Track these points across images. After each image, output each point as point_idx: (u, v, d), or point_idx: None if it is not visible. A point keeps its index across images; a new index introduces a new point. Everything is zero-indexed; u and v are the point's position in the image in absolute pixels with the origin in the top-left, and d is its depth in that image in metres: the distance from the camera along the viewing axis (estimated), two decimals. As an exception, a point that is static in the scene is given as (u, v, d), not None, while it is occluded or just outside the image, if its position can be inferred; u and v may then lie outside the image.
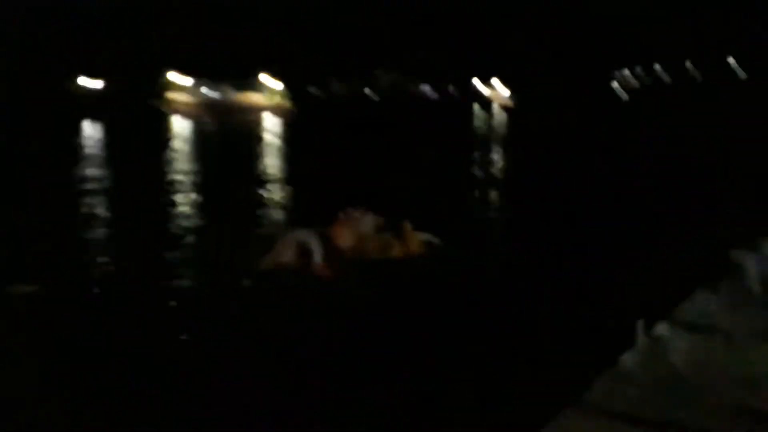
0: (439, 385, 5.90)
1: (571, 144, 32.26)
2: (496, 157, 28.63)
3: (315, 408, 5.60)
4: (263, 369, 6.36)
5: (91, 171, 21.36)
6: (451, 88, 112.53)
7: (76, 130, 39.93)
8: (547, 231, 11.96)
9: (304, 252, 9.46)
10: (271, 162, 25.60)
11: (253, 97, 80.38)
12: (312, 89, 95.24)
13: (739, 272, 6.45)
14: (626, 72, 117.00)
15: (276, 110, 76.04)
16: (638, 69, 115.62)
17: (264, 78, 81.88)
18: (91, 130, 41.61)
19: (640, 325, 5.01)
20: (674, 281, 7.26)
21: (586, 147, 30.41)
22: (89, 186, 18.00)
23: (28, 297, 8.43)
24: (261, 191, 17.29)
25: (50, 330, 7.42)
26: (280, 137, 41.24)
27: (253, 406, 5.62)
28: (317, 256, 9.48)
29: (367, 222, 10.33)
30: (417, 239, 10.50)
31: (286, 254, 9.47)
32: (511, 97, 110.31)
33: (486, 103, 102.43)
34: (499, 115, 70.02)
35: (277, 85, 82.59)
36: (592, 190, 16.30)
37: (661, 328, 5.23)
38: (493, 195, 17.37)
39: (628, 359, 4.68)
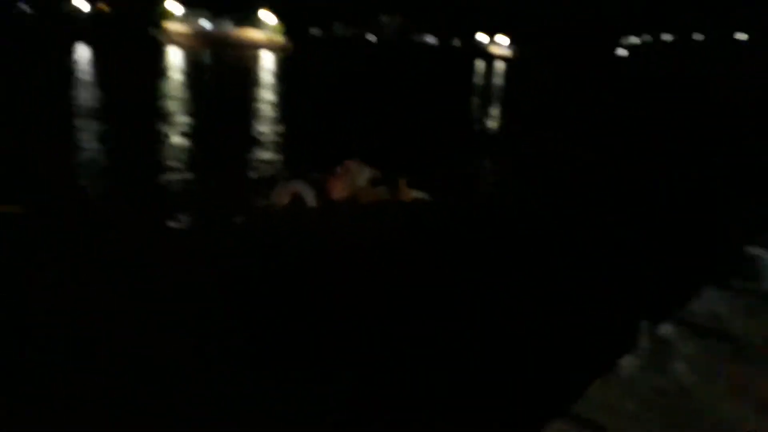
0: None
1: (569, 103, 31.98)
2: (496, 111, 28.35)
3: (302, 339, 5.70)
4: (252, 304, 6.45)
5: (83, 96, 20.88)
6: (455, 40, 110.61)
7: (69, 54, 38.95)
8: (541, 199, 11.52)
9: (298, 200, 9.47)
10: (267, 100, 25.15)
11: (252, 33, 78.64)
12: (313, 30, 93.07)
13: (754, 270, 5.63)
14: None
15: (274, 48, 74.57)
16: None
17: (264, 14, 79.93)
18: (85, 54, 40.61)
19: (644, 325, 4.42)
20: (683, 274, 6.52)
21: (584, 109, 30.13)
22: (80, 111, 17.62)
23: (11, 217, 8.38)
24: (255, 130, 17.06)
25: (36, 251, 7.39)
26: (276, 76, 40.51)
27: (240, 338, 5.70)
28: (310, 204, 9.50)
29: (362, 175, 10.32)
30: (410, 195, 10.52)
31: (280, 201, 9.47)
32: (513, 53, 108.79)
33: (489, 57, 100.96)
34: (499, 71, 69.09)
35: (277, 23, 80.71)
36: (591, 156, 15.81)
37: (666, 330, 4.62)
38: (490, 152, 17.15)
39: (626, 365, 4.13)
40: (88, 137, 14.20)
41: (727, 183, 13.11)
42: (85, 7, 69.96)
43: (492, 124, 23.85)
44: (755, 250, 5.76)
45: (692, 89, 47.31)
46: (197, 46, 63.85)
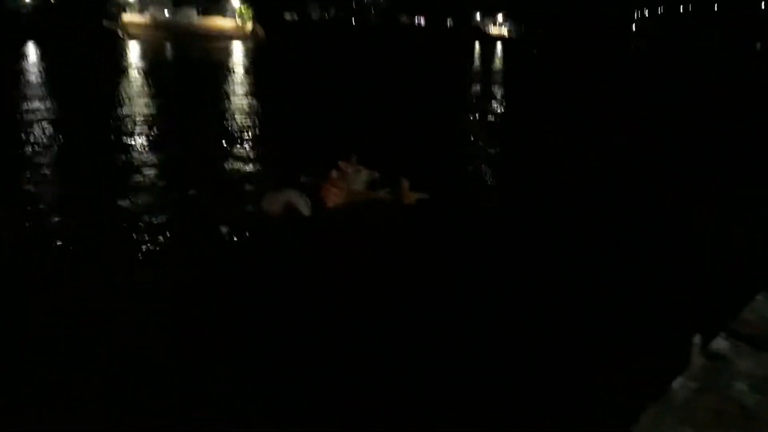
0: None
1: (574, 95, 32.05)
2: (495, 104, 28.22)
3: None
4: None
5: (34, 101, 20.58)
6: (448, 20, 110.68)
7: (17, 55, 38.57)
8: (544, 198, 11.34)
9: (292, 210, 9.35)
10: (243, 98, 24.86)
11: (218, 21, 78.27)
12: (288, 15, 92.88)
13: None
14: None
15: (244, 37, 74.33)
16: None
17: (233, 1, 79.62)
18: (34, 54, 40.28)
19: (696, 340, 4.34)
20: (733, 282, 6.27)
21: (593, 103, 30.17)
22: (30, 118, 17.34)
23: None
24: (234, 133, 16.89)
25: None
26: (249, 70, 40.17)
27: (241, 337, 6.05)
28: (305, 214, 9.40)
29: (359, 177, 10.23)
30: (413, 197, 10.42)
31: (272, 210, 9.35)
32: (514, 32, 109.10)
33: (486, 38, 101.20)
34: (498, 54, 69.34)
35: (246, 8, 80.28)
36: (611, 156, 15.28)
37: (720, 344, 4.57)
38: (490, 147, 17.02)
39: (681, 387, 4.07)
40: (54, 153, 13.94)
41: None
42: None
43: (491, 117, 23.75)
44: None
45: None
46: (158, 39, 63.49)
